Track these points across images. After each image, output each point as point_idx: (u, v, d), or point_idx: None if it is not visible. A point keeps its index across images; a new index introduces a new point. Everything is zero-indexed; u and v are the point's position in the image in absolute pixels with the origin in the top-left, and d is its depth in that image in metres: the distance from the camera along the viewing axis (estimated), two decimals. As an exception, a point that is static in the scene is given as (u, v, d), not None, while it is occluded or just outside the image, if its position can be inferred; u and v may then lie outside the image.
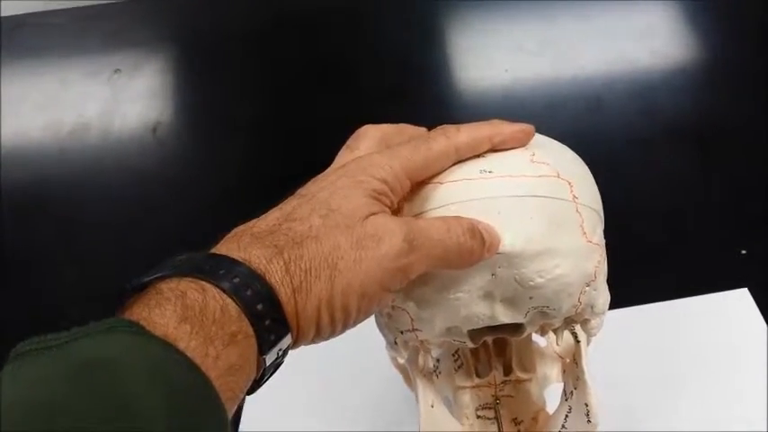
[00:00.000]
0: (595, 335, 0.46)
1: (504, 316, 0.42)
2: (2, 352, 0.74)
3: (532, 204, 0.41)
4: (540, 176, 0.42)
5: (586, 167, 0.46)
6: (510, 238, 0.40)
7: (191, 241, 0.75)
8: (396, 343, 0.45)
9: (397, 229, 0.38)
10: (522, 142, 0.44)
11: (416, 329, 0.43)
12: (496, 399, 0.50)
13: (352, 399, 0.61)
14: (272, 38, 0.92)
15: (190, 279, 0.34)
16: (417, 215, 0.42)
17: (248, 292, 0.34)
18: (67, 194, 0.82)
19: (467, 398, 0.51)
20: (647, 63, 0.84)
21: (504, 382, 0.51)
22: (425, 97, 0.86)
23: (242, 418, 0.61)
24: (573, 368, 0.46)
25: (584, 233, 0.42)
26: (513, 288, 0.41)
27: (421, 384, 0.46)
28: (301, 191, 0.40)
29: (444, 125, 0.44)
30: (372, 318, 0.45)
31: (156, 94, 0.88)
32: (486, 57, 0.88)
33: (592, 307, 0.44)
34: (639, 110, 0.80)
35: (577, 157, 0.46)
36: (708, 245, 0.68)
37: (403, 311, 0.43)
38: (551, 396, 0.51)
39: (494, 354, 0.51)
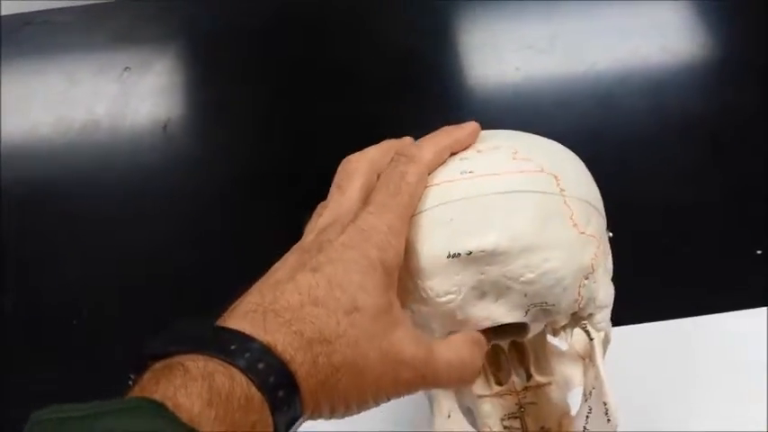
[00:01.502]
0: (604, 330, 0.45)
1: (504, 316, 0.42)
2: (8, 352, 0.74)
3: (516, 200, 0.41)
4: (521, 172, 0.42)
5: (578, 160, 0.46)
6: (495, 236, 0.40)
7: (200, 239, 0.75)
8: None
9: (418, 360, 0.39)
10: (473, 140, 0.46)
11: None
12: (520, 407, 0.49)
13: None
14: (280, 36, 0.91)
15: (218, 361, 0.34)
16: None
17: (271, 379, 0.34)
18: (77, 192, 0.82)
19: (488, 407, 0.49)
20: (659, 60, 0.84)
21: (525, 389, 0.50)
22: (434, 96, 0.85)
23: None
24: (590, 367, 0.45)
25: (575, 225, 0.42)
26: (504, 286, 0.41)
27: (436, 393, 0.45)
28: (309, 260, 0.40)
29: (402, 148, 0.45)
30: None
31: (166, 92, 0.88)
32: (495, 55, 0.88)
33: (594, 300, 0.43)
34: (651, 107, 0.80)
35: (568, 150, 0.46)
36: (722, 244, 0.68)
37: None
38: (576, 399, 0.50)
39: (514, 360, 0.51)
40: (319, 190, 0.78)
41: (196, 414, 0.31)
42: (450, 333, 0.43)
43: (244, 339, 0.35)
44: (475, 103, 0.85)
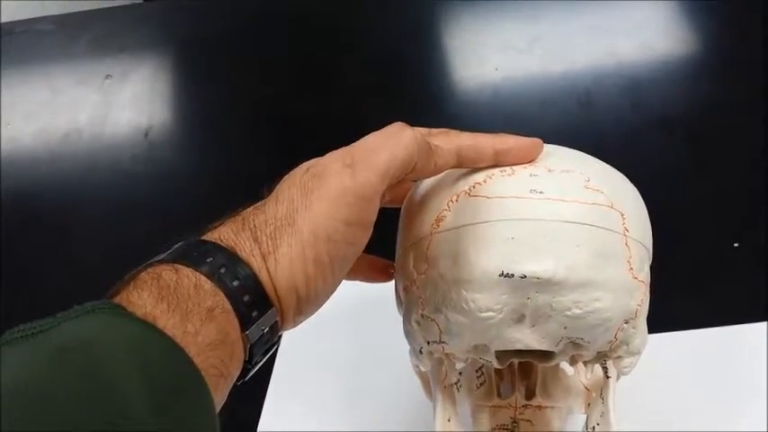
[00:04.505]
0: (627, 374, 0.44)
1: (535, 342, 0.41)
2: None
3: (581, 232, 0.40)
4: (592, 204, 0.41)
5: (642, 201, 0.45)
6: (552, 264, 0.39)
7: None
8: (421, 352, 0.44)
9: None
10: (528, 156, 0.43)
11: (443, 342, 0.43)
12: (514, 421, 0.49)
13: (371, 403, 0.61)
14: (261, 40, 0.92)
15: (166, 264, 0.35)
16: (460, 228, 0.41)
17: (222, 270, 0.35)
18: (60, 200, 0.82)
19: (485, 416, 0.49)
20: (637, 57, 0.85)
21: (524, 406, 0.50)
22: (415, 97, 0.86)
23: (262, 419, 0.61)
24: (599, 403, 0.45)
25: (631, 269, 0.41)
26: (546, 315, 0.40)
27: (440, 397, 0.45)
28: None
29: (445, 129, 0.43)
30: (399, 322, 0.45)
31: (148, 99, 0.88)
32: (475, 55, 0.88)
33: (627, 345, 0.43)
34: (630, 105, 0.81)
35: (635, 189, 0.45)
36: (700, 238, 0.68)
37: (432, 322, 0.42)
38: (572, 426, 0.50)
39: (518, 375, 0.50)
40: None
41: (150, 310, 0.32)
42: (477, 345, 0.42)
43: (193, 243, 0.36)
44: (455, 103, 0.85)
